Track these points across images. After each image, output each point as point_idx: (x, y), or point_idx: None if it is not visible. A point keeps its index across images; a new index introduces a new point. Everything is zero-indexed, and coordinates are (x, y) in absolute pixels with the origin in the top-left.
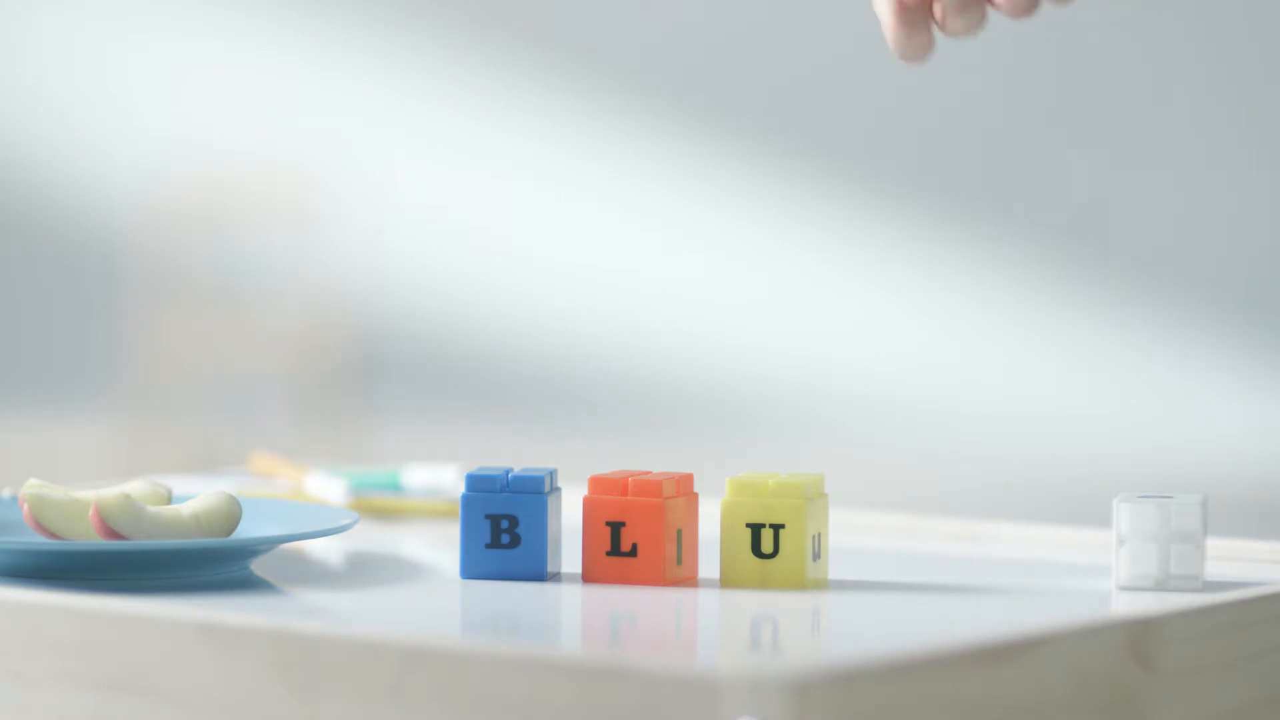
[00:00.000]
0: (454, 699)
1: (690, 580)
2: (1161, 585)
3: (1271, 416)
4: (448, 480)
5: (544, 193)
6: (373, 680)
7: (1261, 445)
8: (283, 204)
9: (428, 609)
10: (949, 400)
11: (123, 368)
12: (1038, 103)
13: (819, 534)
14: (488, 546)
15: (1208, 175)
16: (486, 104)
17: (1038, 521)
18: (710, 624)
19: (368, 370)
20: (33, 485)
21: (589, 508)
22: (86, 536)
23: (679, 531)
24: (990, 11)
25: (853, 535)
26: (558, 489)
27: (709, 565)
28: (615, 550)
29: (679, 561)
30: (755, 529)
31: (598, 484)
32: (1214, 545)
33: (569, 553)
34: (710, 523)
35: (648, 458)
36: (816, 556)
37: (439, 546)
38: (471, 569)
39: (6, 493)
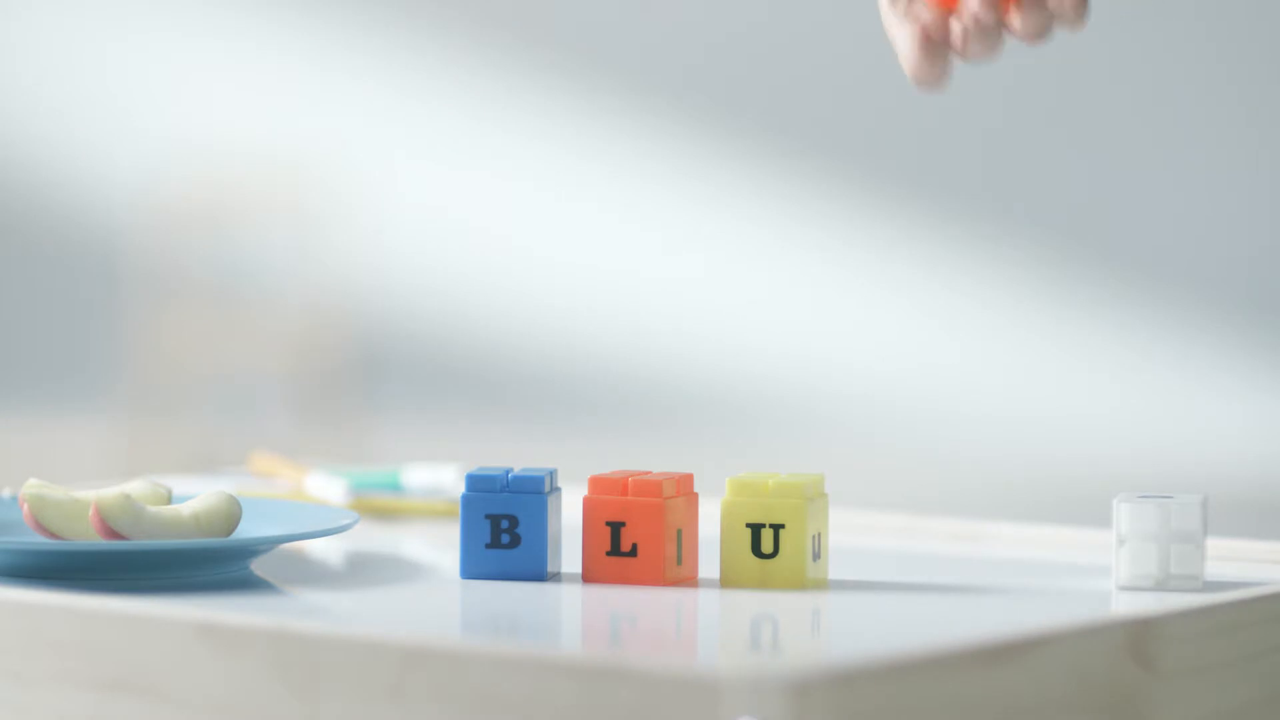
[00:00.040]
0: (454, 699)
1: (690, 580)
2: (1161, 585)
3: (1271, 416)
4: (448, 480)
5: (544, 193)
6: (373, 680)
7: (1261, 445)
8: (283, 204)
9: (428, 609)
10: (949, 400)
11: (123, 368)
12: (1038, 103)
13: (819, 534)
14: (488, 546)
15: (1208, 175)
16: (486, 104)
17: (1038, 521)
18: (710, 624)
19: (368, 370)
20: (33, 485)
21: (589, 508)
22: (86, 536)
23: (679, 531)
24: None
25: (853, 535)
26: (558, 489)
27: (709, 565)
28: (615, 550)
29: (679, 561)
30: (755, 529)
31: (598, 484)
32: (1214, 545)
33: (569, 553)
34: (710, 523)
35: (648, 458)
36: (816, 556)
37: (439, 546)
38: (471, 569)
39: (6, 493)
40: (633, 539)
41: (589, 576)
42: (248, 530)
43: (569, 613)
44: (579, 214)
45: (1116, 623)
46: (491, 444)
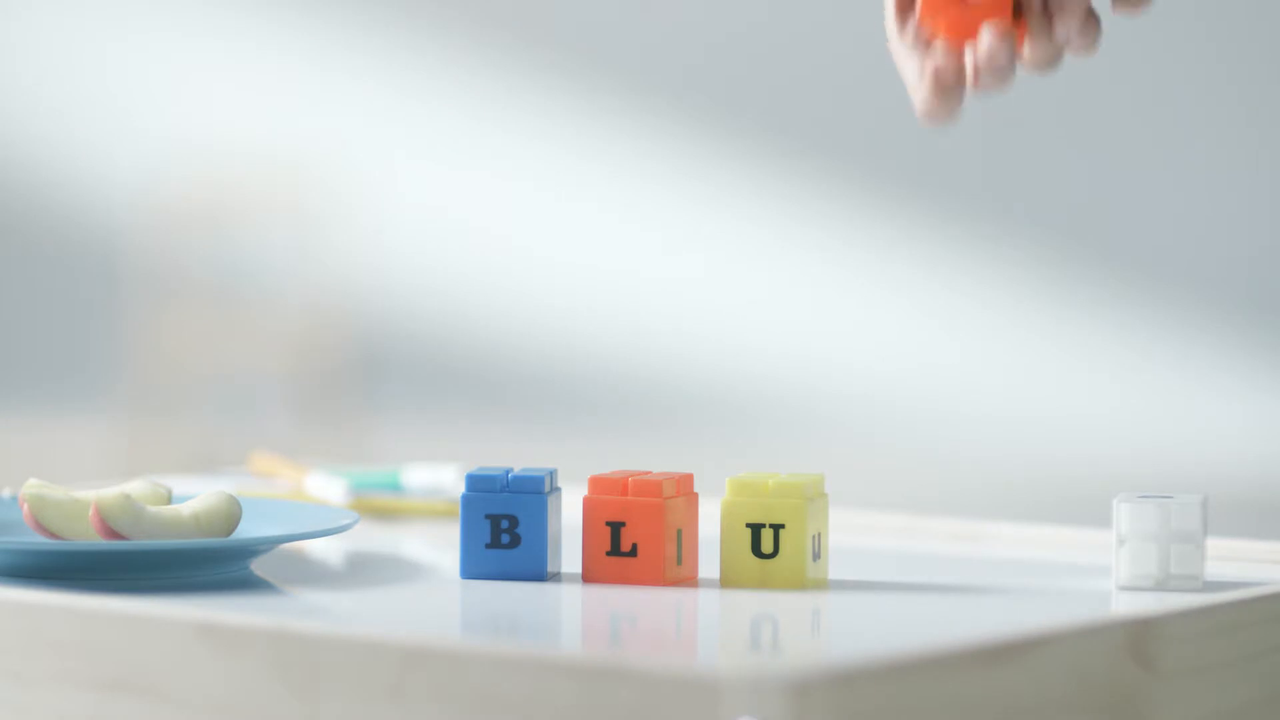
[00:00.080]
0: (454, 699)
1: (690, 580)
2: (1161, 585)
3: (1271, 416)
4: (448, 480)
5: (544, 193)
6: (373, 680)
7: (1261, 445)
8: (283, 204)
9: (428, 609)
10: (949, 400)
11: (123, 368)
12: (1038, 103)
13: (819, 534)
14: (488, 546)
15: (1208, 175)
16: (486, 104)
17: (1038, 521)
18: (710, 624)
19: (368, 370)
20: (33, 485)
21: (589, 508)
22: (86, 536)
23: (679, 531)
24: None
25: (853, 535)
26: (558, 489)
27: (709, 565)
28: (615, 550)
29: (679, 561)
30: (755, 529)
31: (598, 484)
32: (1214, 545)
33: (569, 553)
34: (710, 523)
35: (648, 458)
36: (816, 556)
37: (439, 546)
38: (471, 569)
39: (6, 493)
40: (633, 539)
41: (589, 576)
42: (248, 530)
43: (569, 613)
44: (579, 214)
45: (1116, 623)
46: (491, 444)
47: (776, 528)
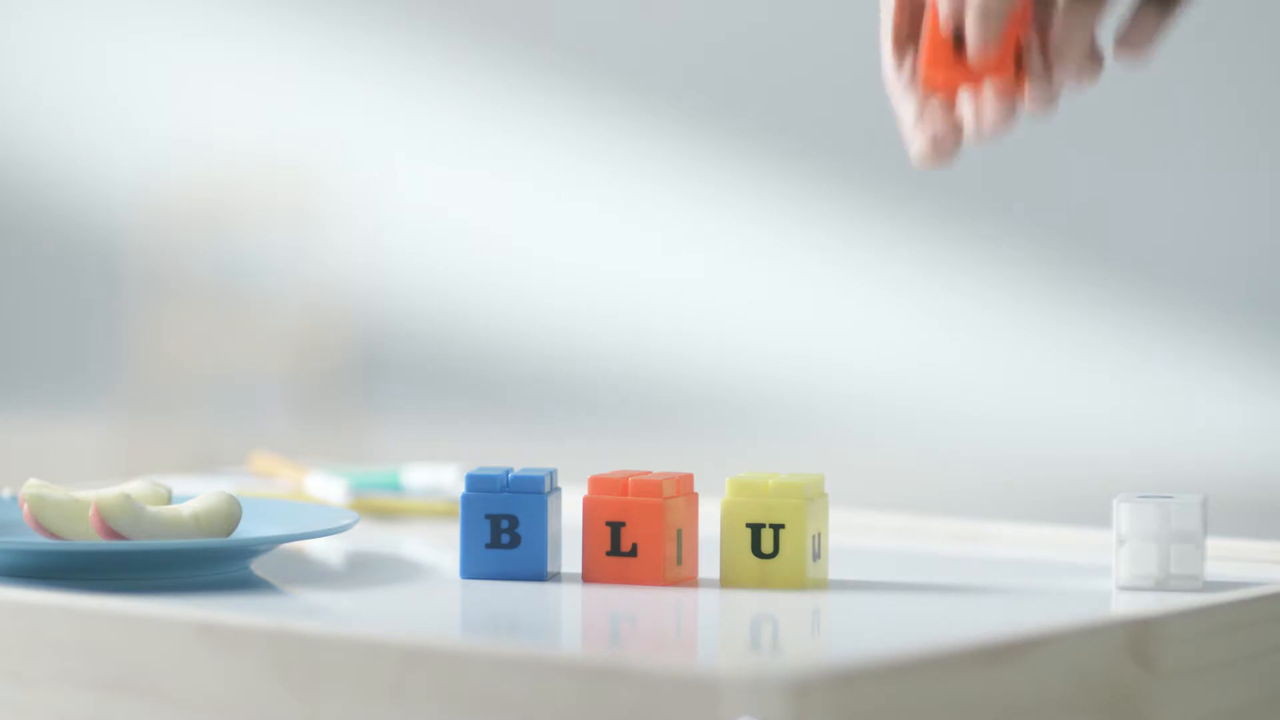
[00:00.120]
0: (454, 699)
1: (690, 580)
2: (1161, 585)
3: (1271, 416)
4: (448, 480)
5: (544, 193)
6: (373, 680)
7: (1261, 445)
8: (283, 204)
9: (428, 609)
10: (949, 400)
11: (123, 368)
12: None
13: (819, 534)
14: (488, 546)
15: (1208, 175)
16: (486, 104)
17: (1038, 521)
18: (710, 624)
19: (368, 370)
20: (33, 485)
21: (589, 508)
22: (86, 536)
23: (679, 531)
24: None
25: (853, 535)
26: (558, 489)
27: (709, 565)
28: (615, 550)
29: (679, 561)
30: (755, 529)
31: (598, 484)
32: (1214, 545)
33: (569, 553)
34: (710, 523)
35: (648, 458)
36: (816, 556)
37: (439, 546)
38: (471, 569)
39: (6, 493)
40: (633, 539)
41: (589, 576)
42: (248, 530)
43: (569, 613)
44: (579, 214)
45: (1116, 623)
46: (491, 444)
47: (776, 528)
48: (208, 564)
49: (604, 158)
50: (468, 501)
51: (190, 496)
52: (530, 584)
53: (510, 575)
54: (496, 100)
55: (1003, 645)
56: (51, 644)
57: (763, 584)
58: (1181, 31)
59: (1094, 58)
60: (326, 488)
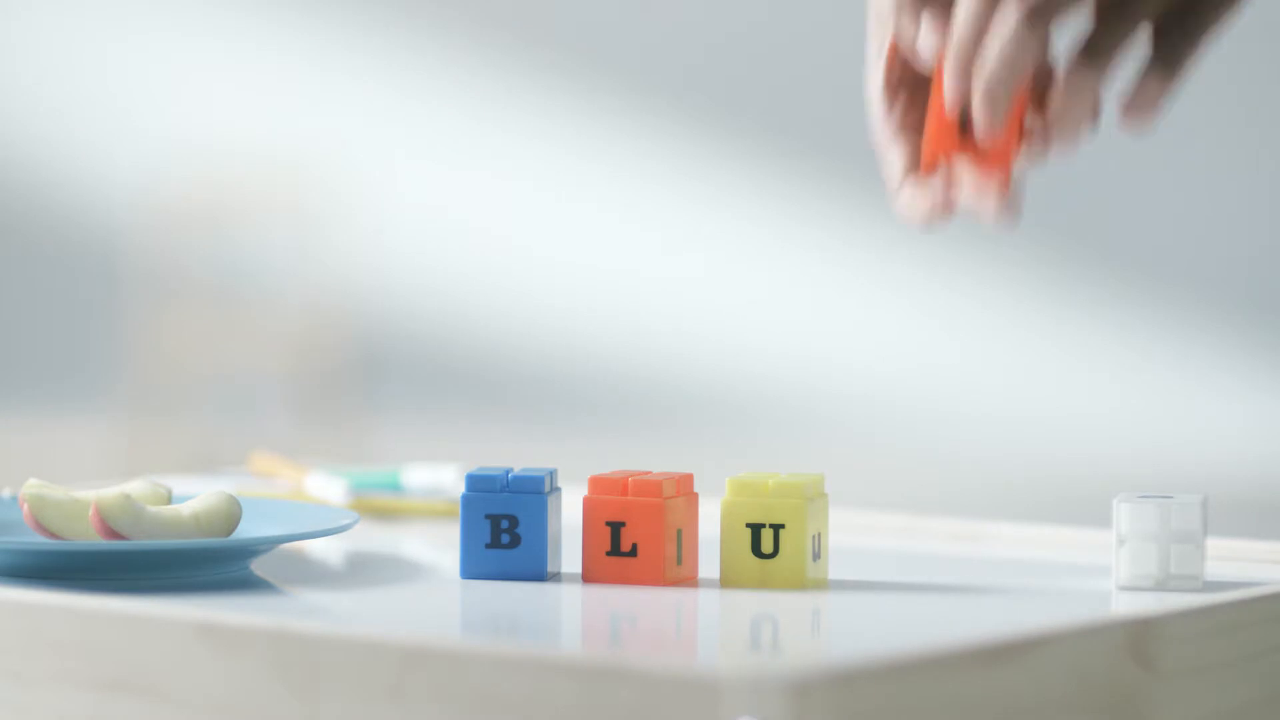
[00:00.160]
0: (454, 699)
1: (690, 580)
2: (1161, 585)
3: (1271, 416)
4: (448, 480)
5: (544, 193)
6: (373, 680)
7: (1261, 445)
8: (283, 204)
9: (428, 609)
10: (949, 400)
11: (123, 368)
12: None
13: (819, 534)
14: (488, 546)
15: (1208, 175)
16: (486, 104)
17: (1038, 521)
18: (710, 624)
19: (368, 370)
20: (33, 485)
21: (589, 508)
22: (86, 536)
23: (679, 531)
24: None
25: (853, 535)
26: (558, 489)
27: (709, 565)
28: (615, 550)
29: (679, 561)
30: (755, 529)
31: (598, 484)
32: (1214, 545)
33: (569, 553)
34: (710, 523)
35: (648, 458)
36: (816, 556)
37: (439, 546)
38: (471, 569)
39: (6, 493)
40: (633, 539)
41: (589, 576)
42: (248, 530)
43: (569, 613)
44: (579, 214)
45: (1116, 623)
46: (491, 444)
47: (776, 528)
48: (208, 564)
49: (604, 158)
50: (468, 501)
51: (190, 496)
52: (530, 584)
53: (510, 575)
54: (496, 100)
55: (1003, 645)
56: (51, 644)
57: (763, 584)
58: None
59: (1093, 118)
60: (326, 488)
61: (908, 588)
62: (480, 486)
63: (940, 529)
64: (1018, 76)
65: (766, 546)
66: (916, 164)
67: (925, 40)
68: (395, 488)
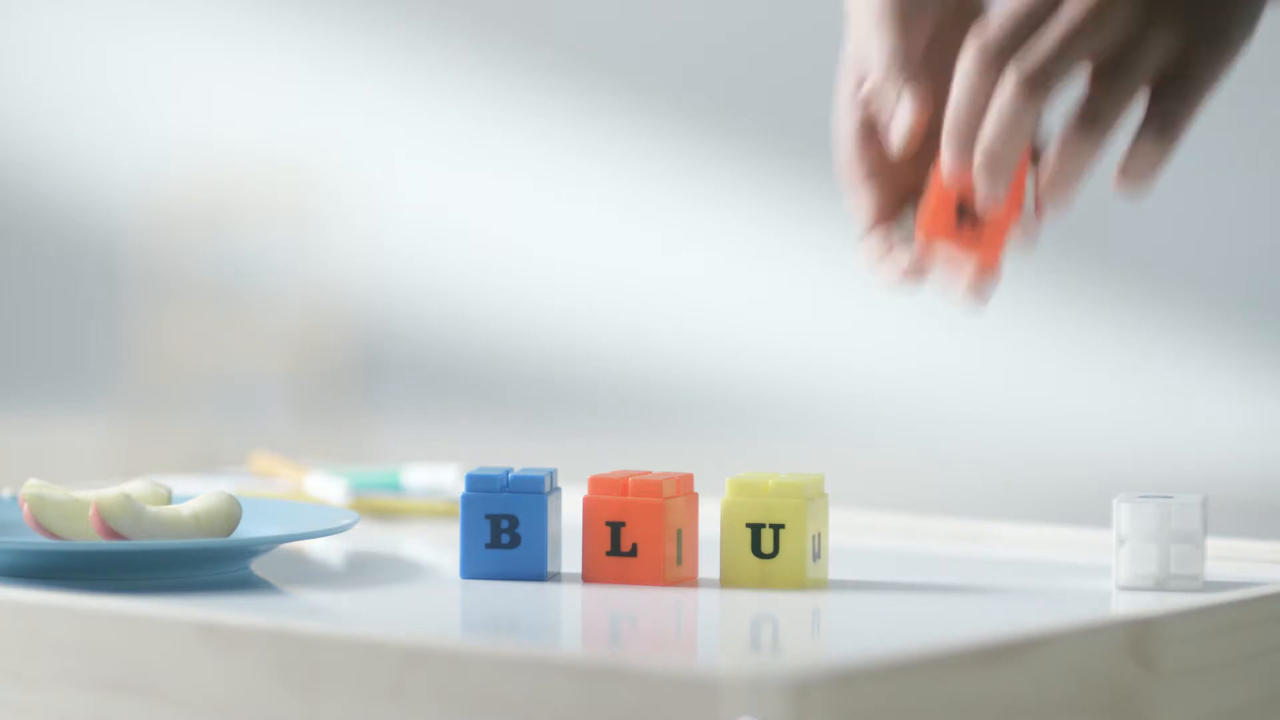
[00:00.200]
0: (454, 699)
1: (690, 580)
2: (1161, 585)
3: (1271, 416)
4: (448, 480)
5: (544, 193)
6: (373, 680)
7: (1261, 445)
8: (283, 204)
9: (428, 609)
10: (949, 400)
11: (123, 368)
12: None
13: (819, 534)
14: (488, 546)
15: (1208, 175)
16: (486, 104)
17: (1038, 521)
18: (710, 624)
19: (368, 370)
20: (33, 485)
21: (589, 508)
22: (86, 536)
23: (679, 531)
24: None
25: (853, 535)
26: (558, 489)
27: (709, 565)
28: (615, 550)
29: (679, 561)
30: (755, 529)
31: (598, 484)
32: (1214, 545)
33: (569, 553)
34: (710, 523)
35: (648, 458)
36: (816, 556)
37: (439, 546)
38: (471, 569)
39: (6, 493)
40: (633, 539)
41: (589, 576)
42: (248, 530)
43: (569, 613)
44: (579, 214)
45: (1116, 623)
46: (491, 444)
47: (776, 528)
48: (208, 564)
49: (604, 158)
50: (468, 501)
51: (190, 496)
52: (530, 584)
53: (510, 575)
54: (496, 100)
55: (1003, 645)
56: (51, 644)
57: (763, 584)
58: None
59: (1072, 190)
60: (326, 488)
61: (908, 588)
62: (480, 486)
63: (940, 529)
64: (1018, 144)
65: (766, 546)
66: (885, 213)
67: (903, 119)
68: (395, 488)
